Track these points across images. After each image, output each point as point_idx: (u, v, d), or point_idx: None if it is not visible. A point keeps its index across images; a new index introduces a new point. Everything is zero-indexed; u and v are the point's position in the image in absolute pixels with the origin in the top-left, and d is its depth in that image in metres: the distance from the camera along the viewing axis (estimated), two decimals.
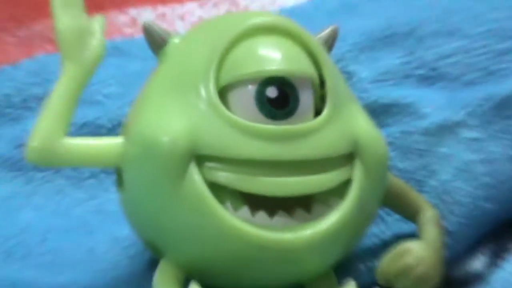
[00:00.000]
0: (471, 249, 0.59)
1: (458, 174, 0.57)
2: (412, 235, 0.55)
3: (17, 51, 0.65)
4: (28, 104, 0.60)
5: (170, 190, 0.51)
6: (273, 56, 0.52)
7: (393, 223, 0.58)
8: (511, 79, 0.60)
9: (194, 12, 0.65)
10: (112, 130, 0.56)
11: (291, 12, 0.59)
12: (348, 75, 0.60)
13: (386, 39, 0.63)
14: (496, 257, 0.59)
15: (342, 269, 0.55)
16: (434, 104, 0.60)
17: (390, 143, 0.56)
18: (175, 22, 0.65)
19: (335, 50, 0.57)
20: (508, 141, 0.59)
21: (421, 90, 0.61)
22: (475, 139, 0.59)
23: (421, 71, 0.62)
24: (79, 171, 0.60)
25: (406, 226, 0.57)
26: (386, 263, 0.54)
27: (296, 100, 0.51)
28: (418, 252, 0.54)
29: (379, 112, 0.59)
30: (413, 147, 0.59)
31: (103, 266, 0.58)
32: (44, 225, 0.59)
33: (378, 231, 0.58)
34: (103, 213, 0.59)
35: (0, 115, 0.64)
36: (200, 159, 0.51)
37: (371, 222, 0.55)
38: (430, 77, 0.62)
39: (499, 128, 0.59)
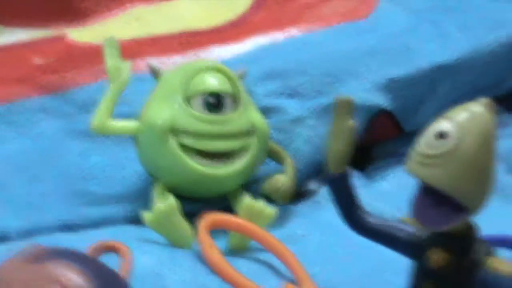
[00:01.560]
0: (308, 177, 0.57)
1: (304, 142, 0.57)
2: (281, 171, 0.54)
3: (90, 79, 0.62)
4: (97, 103, 0.56)
5: (160, 147, 0.51)
6: (212, 82, 0.53)
7: (272, 166, 0.56)
8: (329, 96, 0.59)
9: (178, 60, 0.63)
10: (136, 117, 0.53)
11: (225, 62, 0.58)
12: (251, 92, 0.59)
13: (270, 76, 0.62)
14: (321, 183, 0.57)
15: (245, 186, 0.54)
16: (293, 108, 0.59)
17: (271, 127, 0.56)
18: (169, 65, 0.63)
19: (245, 80, 0.56)
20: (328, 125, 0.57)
21: (287, 101, 0.61)
22: (313, 125, 0.58)
23: (288, 91, 0.61)
24: (119, 136, 0.57)
25: (278, 167, 0.55)
26: (267, 184, 0.54)
27: (224, 104, 0.51)
28: (283, 180, 0.54)
29: (266, 111, 0.59)
30: (283, 128, 0.58)
31: (130, 183, 0.57)
32: (103, 163, 0.58)
33: (264, 168, 0.56)
34: (129, 158, 0.57)
35: (81, 110, 0.61)
36: (176, 132, 0.51)
37: (260, 164, 0.54)
38: (292, 94, 0.61)
39: (326, 120, 0.57)
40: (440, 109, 0.62)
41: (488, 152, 0.29)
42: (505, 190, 0.56)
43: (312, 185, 0.58)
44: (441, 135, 0.28)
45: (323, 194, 0.57)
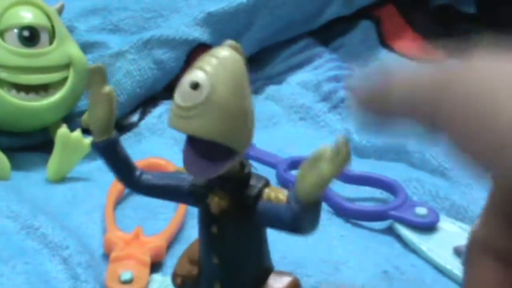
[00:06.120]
0: (130, 111, 0.58)
1: (124, 76, 0.59)
2: None
3: None
4: None
5: None
6: (26, 16, 0.53)
7: None
8: (150, 31, 0.60)
9: None
10: None
11: None
12: (73, 28, 0.59)
13: (92, 12, 0.62)
14: (143, 114, 0.58)
15: (66, 120, 0.54)
16: (114, 42, 0.60)
17: (92, 61, 0.58)
18: None
19: (67, 16, 0.55)
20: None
21: (109, 36, 0.62)
22: (133, 59, 0.58)
23: (109, 27, 0.61)
24: None
25: None
26: (86, 116, 0.52)
27: (39, 38, 0.51)
28: None
29: (88, 46, 0.60)
30: (103, 62, 0.57)
31: None
32: None
33: (84, 103, 0.56)
34: None
35: None
36: None
37: (79, 98, 0.55)
38: (113, 30, 0.61)
39: (146, 54, 0.58)
40: (260, 42, 0.65)
41: (242, 93, 0.28)
42: (314, 117, 0.59)
43: (134, 117, 0.59)
44: (195, 86, 0.27)
45: (144, 126, 0.58)
